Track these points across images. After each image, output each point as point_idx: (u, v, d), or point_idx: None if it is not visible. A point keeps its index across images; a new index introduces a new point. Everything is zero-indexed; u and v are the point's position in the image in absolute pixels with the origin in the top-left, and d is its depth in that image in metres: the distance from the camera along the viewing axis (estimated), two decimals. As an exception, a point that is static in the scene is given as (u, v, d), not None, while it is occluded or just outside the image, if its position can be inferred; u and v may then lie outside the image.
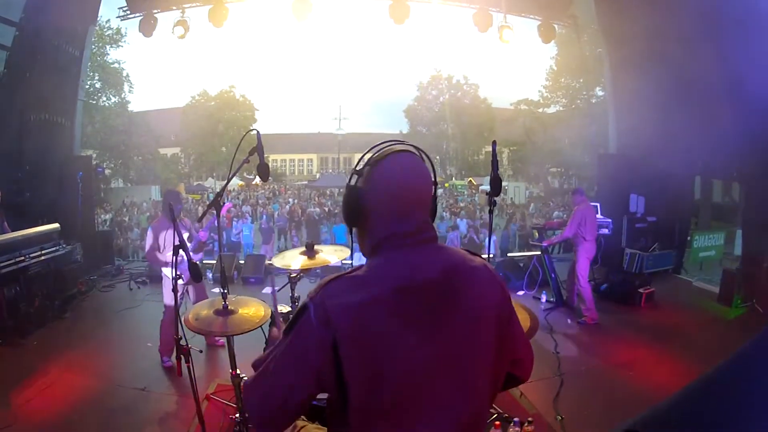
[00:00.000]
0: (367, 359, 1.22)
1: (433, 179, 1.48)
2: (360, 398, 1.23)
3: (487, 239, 5.14)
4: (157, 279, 8.24)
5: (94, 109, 25.62)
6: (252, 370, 1.44)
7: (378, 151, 1.41)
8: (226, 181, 3.32)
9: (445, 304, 1.29)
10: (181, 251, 2.85)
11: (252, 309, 3.13)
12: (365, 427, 1.27)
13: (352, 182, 1.41)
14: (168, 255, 4.10)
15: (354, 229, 1.46)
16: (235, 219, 17.37)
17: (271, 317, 3.05)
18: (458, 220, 17.58)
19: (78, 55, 9.15)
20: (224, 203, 3.31)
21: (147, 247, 5.01)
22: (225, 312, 3.05)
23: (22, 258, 6.08)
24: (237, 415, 3.38)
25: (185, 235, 5.08)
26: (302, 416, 1.99)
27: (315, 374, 1.26)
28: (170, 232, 2.86)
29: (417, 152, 1.44)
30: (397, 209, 1.35)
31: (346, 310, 1.24)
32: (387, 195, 1.36)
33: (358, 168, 1.41)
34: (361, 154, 1.46)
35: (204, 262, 9.72)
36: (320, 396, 2.43)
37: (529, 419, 3.47)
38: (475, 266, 1.37)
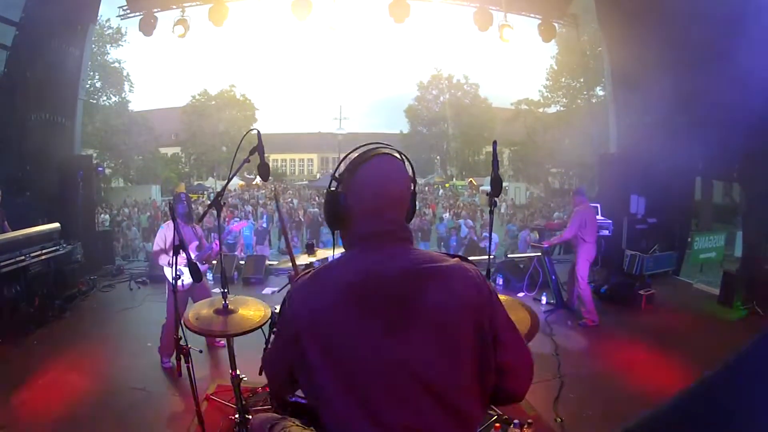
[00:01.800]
0: (325, 348, 1.29)
1: (411, 179, 1.52)
2: (327, 387, 1.29)
3: (487, 240, 5.14)
4: (158, 279, 8.27)
5: (94, 109, 25.66)
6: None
7: (356, 156, 1.47)
8: (226, 181, 3.32)
9: (404, 304, 1.30)
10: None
11: (252, 309, 3.13)
12: (337, 416, 1.30)
13: (332, 187, 1.48)
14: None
15: (338, 232, 1.53)
16: (236, 219, 17.38)
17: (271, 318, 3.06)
18: (460, 221, 17.53)
19: (78, 55, 9.15)
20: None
21: (155, 247, 5.11)
22: (225, 311, 3.05)
23: (23, 257, 6.06)
24: (236, 415, 3.38)
25: (195, 244, 5.09)
26: (296, 421, 2.00)
27: (289, 364, 1.41)
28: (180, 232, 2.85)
29: (397, 154, 1.49)
30: (370, 210, 1.41)
31: (304, 304, 1.36)
32: (362, 198, 1.42)
33: (337, 174, 1.49)
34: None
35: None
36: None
37: (529, 421, 3.47)
38: (443, 267, 1.35)
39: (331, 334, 1.30)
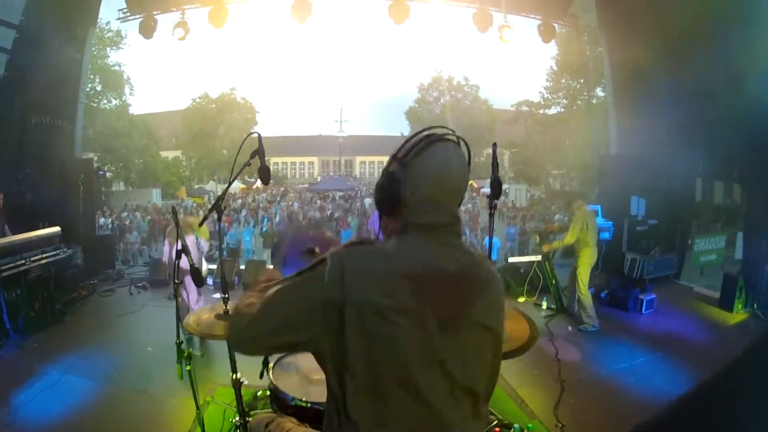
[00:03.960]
0: (367, 329, 1.20)
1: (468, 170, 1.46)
2: (358, 369, 1.21)
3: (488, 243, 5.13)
4: (158, 284, 8.27)
5: (94, 112, 25.64)
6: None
7: (420, 139, 1.37)
8: (227, 185, 3.31)
9: (458, 304, 1.28)
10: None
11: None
12: (359, 404, 1.24)
13: (391, 168, 1.38)
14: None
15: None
16: (236, 224, 17.39)
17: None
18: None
19: (78, 58, 9.17)
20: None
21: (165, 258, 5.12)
22: (226, 317, 3.05)
23: (23, 261, 6.07)
24: (237, 418, 3.37)
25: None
26: (293, 419, 1.99)
27: (310, 329, 1.25)
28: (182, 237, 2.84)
29: (457, 140, 1.42)
30: (434, 200, 1.34)
31: (359, 275, 1.22)
32: (426, 186, 1.34)
33: (399, 155, 1.37)
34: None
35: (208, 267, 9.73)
36: (319, 400, 2.43)
37: (530, 426, 3.46)
38: (490, 273, 1.38)
39: (378, 317, 1.20)
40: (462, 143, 1.42)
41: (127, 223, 19.20)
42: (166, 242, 6.51)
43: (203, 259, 6.60)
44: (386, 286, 1.22)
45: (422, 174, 1.34)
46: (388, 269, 1.24)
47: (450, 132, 1.42)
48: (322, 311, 1.22)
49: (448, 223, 1.35)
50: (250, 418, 3.32)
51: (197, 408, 3.15)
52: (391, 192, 1.36)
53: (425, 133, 1.39)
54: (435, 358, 1.24)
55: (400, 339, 1.21)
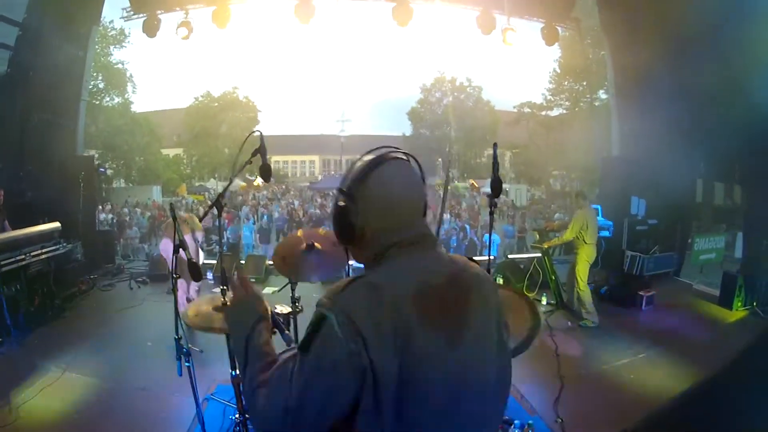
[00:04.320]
0: (403, 364, 1.12)
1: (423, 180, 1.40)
2: (393, 411, 1.13)
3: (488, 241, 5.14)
4: (158, 278, 8.28)
5: (97, 110, 25.69)
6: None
7: (362, 166, 1.31)
8: (228, 182, 3.32)
9: (456, 313, 1.25)
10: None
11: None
12: None
13: (339, 202, 1.31)
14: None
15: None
16: (236, 220, 17.41)
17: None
18: (463, 222, 17.50)
19: (81, 56, 9.18)
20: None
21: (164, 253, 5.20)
22: (225, 308, 3.06)
23: (23, 256, 6.08)
24: (237, 415, 3.38)
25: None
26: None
27: (352, 394, 1.13)
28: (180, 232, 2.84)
29: (403, 156, 1.36)
30: (398, 221, 1.29)
31: (373, 314, 1.13)
32: (383, 209, 1.29)
33: (344, 187, 1.32)
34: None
35: (204, 262, 9.73)
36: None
37: (530, 422, 3.46)
38: (476, 274, 1.35)
39: (409, 348, 1.13)
40: (410, 158, 1.38)
41: (126, 219, 19.22)
42: (165, 238, 6.51)
43: (200, 249, 6.63)
44: (396, 315, 1.14)
45: (371, 201, 1.29)
46: (389, 299, 1.16)
47: (392, 149, 1.36)
48: (349, 369, 1.11)
49: (424, 235, 1.32)
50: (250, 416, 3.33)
51: (197, 405, 3.16)
52: (344, 225, 1.31)
53: (366, 158, 1.33)
54: (457, 372, 1.21)
55: (429, 368, 1.16)
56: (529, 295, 7.60)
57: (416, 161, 1.39)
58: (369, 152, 1.35)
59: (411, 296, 1.17)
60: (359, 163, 1.32)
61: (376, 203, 1.28)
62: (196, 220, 6.84)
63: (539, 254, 7.67)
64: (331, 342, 1.13)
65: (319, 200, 26.91)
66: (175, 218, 3.00)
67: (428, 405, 1.17)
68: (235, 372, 3.27)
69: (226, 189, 3.24)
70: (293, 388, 1.14)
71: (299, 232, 3.61)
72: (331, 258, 3.31)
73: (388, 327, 1.12)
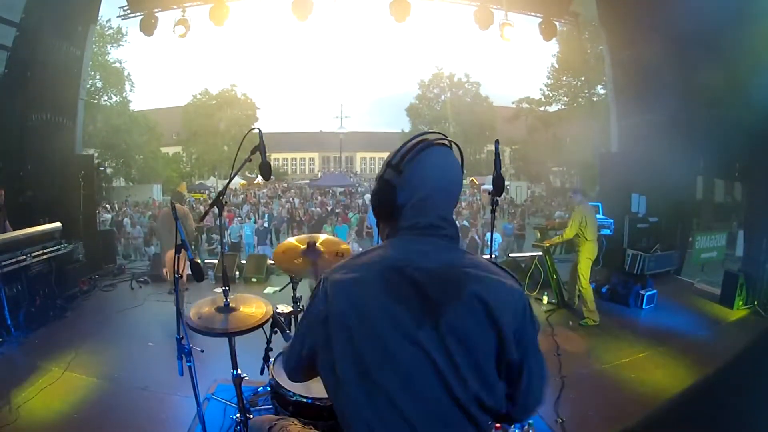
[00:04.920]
0: (350, 331, 1.27)
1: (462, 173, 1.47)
2: (346, 374, 1.27)
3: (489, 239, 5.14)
4: (159, 279, 8.28)
5: (95, 109, 25.63)
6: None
7: (413, 145, 1.39)
8: (228, 180, 3.31)
9: (436, 299, 1.25)
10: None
11: (253, 307, 3.13)
12: (352, 406, 1.29)
13: (386, 176, 1.39)
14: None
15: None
16: (237, 219, 17.40)
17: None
18: (463, 220, 17.49)
19: (79, 55, 9.14)
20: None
21: None
22: (226, 309, 3.06)
23: (24, 257, 6.08)
24: (238, 414, 3.38)
25: None
26: (294, 420, 2.00)
27: (311, 346, 1.38)
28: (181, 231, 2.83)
29: (449, 145, 1.43)
30: (422, 204, 1.35)
31: (340, 286, 1.32)
32: (420, 191, 1.36)
33: (393, 161, 1.38)
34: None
35: (206, 261, 9.74)
36: (320, 396, 2.45)
37: (530, 421, 3.46)
38: (490, 278, 1.29)
39: (358, 318, 1.27)
40: (455, 147, 1.44)
41: (127, 218, 19.19)
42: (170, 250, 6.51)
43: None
44: (358, 290, 1.30)
45: (416, 179, 1.36)
46: (360, 271, 1.33)
47: (442, 136, 1.43)
48: (316, 325, 1.34)
49: (436, 225, 1.35)
50: (251, 415, 3.34)
51: (198, 404, 3.15)
52: (386, 199, 1.39)
53: (418, 138, 1.41)
54: (414, 352, 1.24)
55: (380, 336, 1.25)
56: (531, 294, 7.64)
57: (459, 150, 1.46)
58: (417, 135, 1.43)
59: (385, 268, 1.31)
60: (410, 143, 1.40)
61: (419, 181, 1.36)
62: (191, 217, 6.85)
63: (540, 253, 7.67)
64: (315, 300, 1.38)
65: (319, 198, 26.90)
66: (176, 218, 2.99)
67: (377, 368, 1.25)
68: (236, 371, 3.27)
69: (225, 187, 3.23)
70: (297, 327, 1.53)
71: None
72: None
73: (348, 299, 1.29)
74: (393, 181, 1.37)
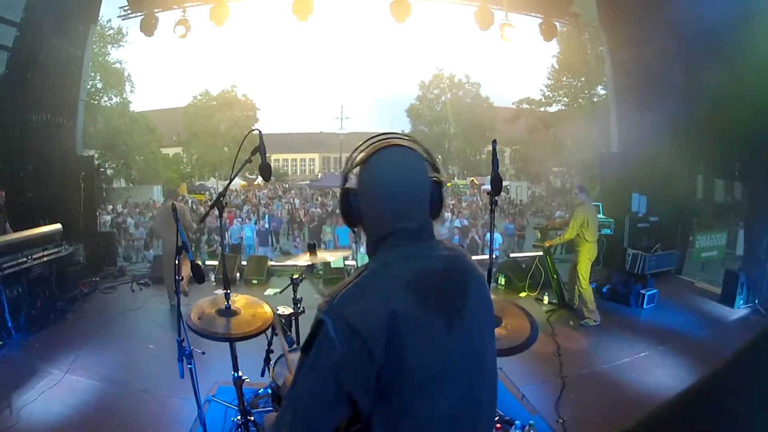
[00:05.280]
0: (409, 356, 1.15)
1: (431, 172, 1.38)
2: (404, 401, 1.17)
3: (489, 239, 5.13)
4: (160, 281, 8.28)
5: (95, 109, 25.63)
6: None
7: (365, 148, 1.35)
8: (228, 181, 3.32)
9: (455, 299, 1.27)
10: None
11: (255, 310, 3.13)
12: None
13: (346, 184, 1.37)
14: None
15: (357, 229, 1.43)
16: (238, 221, 17.39)
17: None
18: (463, 220, 17.47)
19: (79, 55, 9.14)
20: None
21: None
22: (228, 312, 3.05)
23: (25, 259, 6.08)
24: (239, 417, 3.38)
25: None
26: None
27: (347, 396, 1.16)
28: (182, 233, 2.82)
29: (409, 144, 1.36)
30: (395, 209, 1.30)
31: (369, 313, 1.15)
32: (379, 196, 1.31)
33: (346, 172, 1.37)
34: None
35: (206, 263, 9.74)
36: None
37: (531, 422, 3.46)
38: (472, 265, 1.38)
39: (412, 339, 1.16)
40: (416, 145, 1.37)
41: (128, 220, 19.17)
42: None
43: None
44: (392, 309, 1.15)
45: (368, 186, 1.32)
46: (381, 294, 1.19)
47: (398, 136, 1.37)
48: (346, 371, 1.15)
49: (419, 228, 1.32)
50: (252, 417, 3.34)
51: (198, 407, 3.15)
52: (345, 209, 1.36)
53: (369, 142, 1.37)
54: (458, 356, 1.25)
55: (429, 351, 1.19)
56: (531, 294, 7.63)
57: (426, 151, 1.39)
58: (373, 137, 1.37)
59: (406, 282, 1.20)
60: (362, 146, 1.37)
61: (372, 189, 1.32)
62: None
63: (541, 253, 7.66)
64: (327, 346, 1.15)
65: (319, 199, 26.88)
66: (177, 219, 2.99)
67: (427, 389, 1.18)
68: (237, 374, 3.27)
69: (226, 188, 3.23)
70: (293, 390, 1.21)
71: None
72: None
73: (383, 318, 1.14)
74: (350, 188, 1.35)
